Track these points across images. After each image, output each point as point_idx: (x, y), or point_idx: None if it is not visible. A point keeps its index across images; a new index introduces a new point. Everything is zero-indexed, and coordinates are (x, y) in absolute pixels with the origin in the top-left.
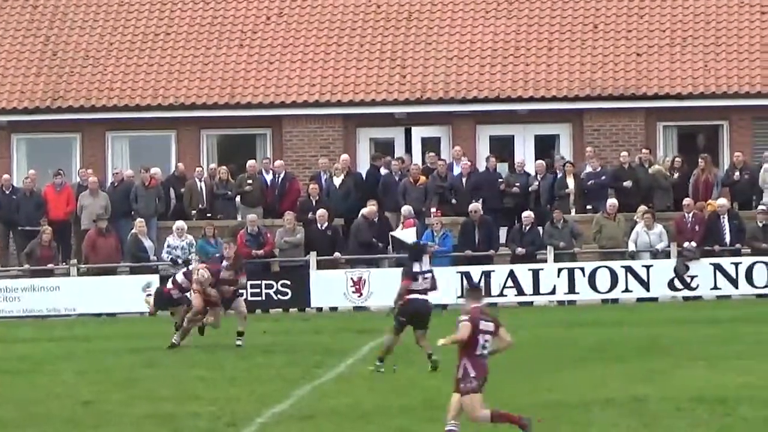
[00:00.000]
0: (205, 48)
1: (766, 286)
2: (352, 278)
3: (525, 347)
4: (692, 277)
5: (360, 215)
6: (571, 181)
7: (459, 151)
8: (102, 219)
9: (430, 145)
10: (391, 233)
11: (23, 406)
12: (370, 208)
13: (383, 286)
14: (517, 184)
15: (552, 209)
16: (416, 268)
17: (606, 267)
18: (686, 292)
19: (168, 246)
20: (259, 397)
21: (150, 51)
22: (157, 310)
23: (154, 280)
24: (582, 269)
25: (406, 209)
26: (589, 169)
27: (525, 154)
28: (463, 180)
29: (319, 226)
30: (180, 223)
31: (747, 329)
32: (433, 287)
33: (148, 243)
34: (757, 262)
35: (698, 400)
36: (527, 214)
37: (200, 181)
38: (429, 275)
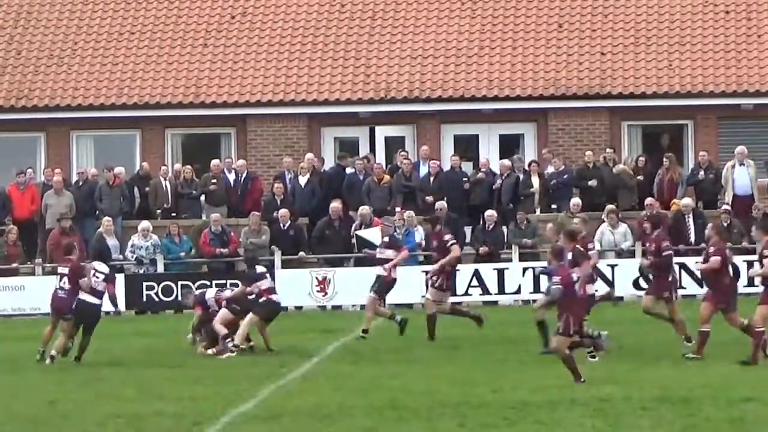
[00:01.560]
0: (170, 47)
1: None
2: (317, 278)
3: (490, 346)
4: None
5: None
6: (535, 181)
7: (426, 150)
8: (65, 218)
9: (396, 144)
10: (357, 232)
11: None
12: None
13: (348, 285)
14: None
15: (515, 209)
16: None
17: None
18: None
19: (132, 246)
20: (225, 396)
21: (114, 50)
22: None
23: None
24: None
25: (363, 209)
26: (552, 168)
27: (489, 154)
28: (431, 179)
29: (281, 225)
30: (145, 224)
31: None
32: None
33: (112, 242)
34: None
35: (662, 399)
36: (490, 213)
37: (165, 180)
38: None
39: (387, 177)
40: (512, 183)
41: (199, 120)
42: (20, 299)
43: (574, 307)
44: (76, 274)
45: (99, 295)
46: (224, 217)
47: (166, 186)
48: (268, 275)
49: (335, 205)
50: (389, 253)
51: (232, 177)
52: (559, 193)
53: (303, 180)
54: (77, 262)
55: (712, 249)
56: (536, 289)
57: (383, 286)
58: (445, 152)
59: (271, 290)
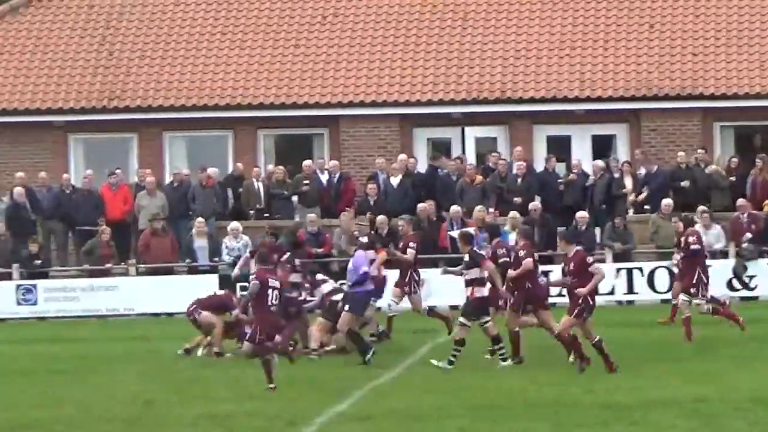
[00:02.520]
0: (262, 48)
1: None
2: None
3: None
4: (751, 278)
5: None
6: (628, 181)
7: (520, 151)
8: (157, 219)
9: (487, 145)
10: (449, 233)
11: (83, 407)
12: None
13: (441, 286)
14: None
15: (608, 210)
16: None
17: (664, 267)
18: (745, 293)
19: (226, 248)
20: (319, 396)
21: (206, 51)
22: None
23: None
24: (640, 269)
25: (453, 209)
26: (645, 169)
27: (582, 154)
28: (518, 180)
29: (379, 231)
30: (235, 224)
31: None
32: None
33: (199, 243)
34: None
35: (757, 400)
36: (582, 215)
37: (257, 181)
38: None
39: (479, 178)
40: (605, 184)
41: (291, 120)
42: (114, 300)
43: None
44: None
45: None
46: (318, 218)
47: (258, 187)
48: (329, 279)
49: (423, 205)
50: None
51: (324, 178)
52: (652, 194)
53: (395, 181)
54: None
55: None
56: (630, 289)
57: None
58: (538, 153)
59: (335, 291)
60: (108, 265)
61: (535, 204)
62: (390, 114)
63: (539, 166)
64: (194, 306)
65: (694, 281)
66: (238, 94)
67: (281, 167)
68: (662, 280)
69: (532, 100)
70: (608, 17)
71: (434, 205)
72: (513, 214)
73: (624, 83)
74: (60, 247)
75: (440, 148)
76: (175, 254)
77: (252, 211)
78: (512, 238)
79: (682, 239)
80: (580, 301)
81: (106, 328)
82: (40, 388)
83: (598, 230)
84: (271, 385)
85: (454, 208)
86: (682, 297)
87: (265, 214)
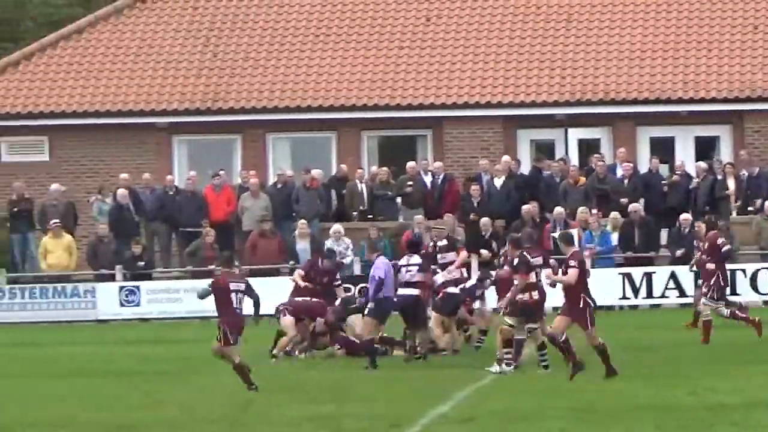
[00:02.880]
0: (365, 50)
1: None
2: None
3: (685, 348)
4: None
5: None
6: (731, 183)
7: (623, 152)
8: (266, 220)
9: (591, 146)
10: (553, 234)
11: (186, 407)
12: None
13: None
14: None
15: (711, 211)
16: (403, 260)
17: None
18: None
19: (327, 250)
20: (422, 398)
21: (310, 52)
22: None
23: None
24: (743, 271)
25: (557, 211)
26: (746, 171)
27: (685, 156)
28: (625, 182)
29: (482, 233)
30: (337, 227)
31: None
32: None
33: (301, 245)
34: None
35: None
36: (685, 217)
37: (361, 182)
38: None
39: (583, 179)
40: (708, 185)
41: (395, 122)
42: None
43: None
44: None
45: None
46: (426, 219)
47: (361, 188)
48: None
49: (527, 207)
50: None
51: (428, 179)
52: (755, 195)
53: (499, 182)
54: None
55: None
56: (733, 291)
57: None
58: (641, 154)
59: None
60: (211, 267)
61: (636, 206)
62: (493, 115)
63: (642, 168)
64: (284, 306)
65: (712, 284)
66: (341, 96)
67: (386, 168)
68: (765, 281)
69: (635, 102)
70: (712, 18)
71: (538, 206)
72: (614, 214)
73: (727, 84)
74: (163, 248)
75: (543, 150)
76: (282, 256)
77: (355, 213)
78: (614, 238)
79: (705, 243)
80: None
81: (208, 329)
82: (142, 389)
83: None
84: (253, 387)
85: (558, 210)
86: (704, 301)
87: (369, 216)
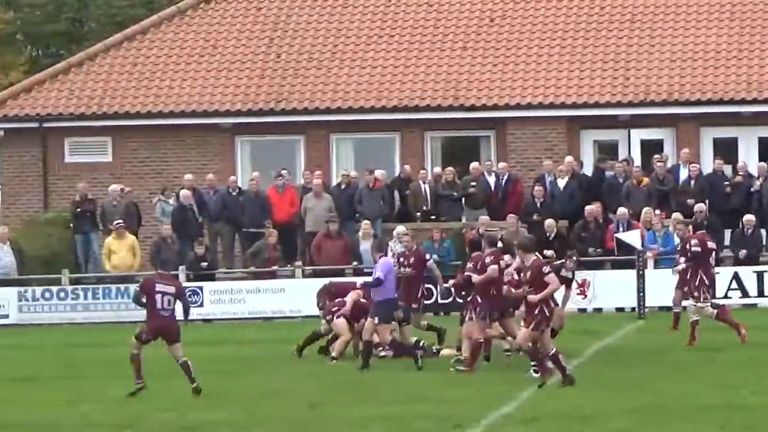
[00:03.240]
0: (429, 50)
1: None
2: (577, 281)
3: (751, 349)
4: None
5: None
6: None
7: (687, 153)
8: (333, 221)
9: (654, 147)
10: (616, 235)
11: (249, 408)
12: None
13: (607, 288)
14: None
15: None
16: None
17: None
18: None
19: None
20: (485, 399)
21: (374, 53)
22: None
23: None
24: None
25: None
26: None
27: (748, 157)
28: (691, 183)
29: (547, 234)
30: (400, 229)
31: None
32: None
33: (365, 245)
34: None
35: None
36: (748, 218)
37: (424, 183)
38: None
39: (646, 180)
40: None
41: (458, 123)
42: (280, 302)
43: None
44: None
45: None
46: (491, 219)
47: (425, 189)
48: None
49: (591, 207)
50: None
51: (492, 180)
52: None
53: (562, 183)
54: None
55: None
56: None
57: None
58: (705, 155)
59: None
60: (274, 268)
61: (701, 206)
62: (557, 116)
63: (706, 169)
64: (337, 307)
65: (696, 284)
66: (405, 96)
67: (450, 168)
68: None
69: (699, 102)
70: None
71: (601, 207)
72: (676, 215)
73: None
74: (226, 249)
75: (606, 150)
76: (347, 257)
77: (419, 213)
78: (676, 240)
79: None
80: (536, 312)
81: (271, 330)
82: (205, 390)
83: (764, 232)
84: (139, 383)
85: (621, 210)
86: (690, 302)
87: (432, 216)
